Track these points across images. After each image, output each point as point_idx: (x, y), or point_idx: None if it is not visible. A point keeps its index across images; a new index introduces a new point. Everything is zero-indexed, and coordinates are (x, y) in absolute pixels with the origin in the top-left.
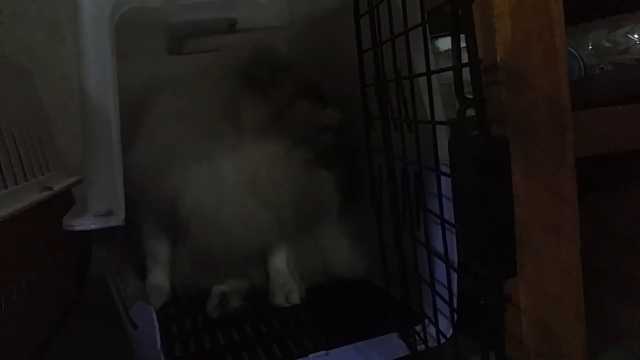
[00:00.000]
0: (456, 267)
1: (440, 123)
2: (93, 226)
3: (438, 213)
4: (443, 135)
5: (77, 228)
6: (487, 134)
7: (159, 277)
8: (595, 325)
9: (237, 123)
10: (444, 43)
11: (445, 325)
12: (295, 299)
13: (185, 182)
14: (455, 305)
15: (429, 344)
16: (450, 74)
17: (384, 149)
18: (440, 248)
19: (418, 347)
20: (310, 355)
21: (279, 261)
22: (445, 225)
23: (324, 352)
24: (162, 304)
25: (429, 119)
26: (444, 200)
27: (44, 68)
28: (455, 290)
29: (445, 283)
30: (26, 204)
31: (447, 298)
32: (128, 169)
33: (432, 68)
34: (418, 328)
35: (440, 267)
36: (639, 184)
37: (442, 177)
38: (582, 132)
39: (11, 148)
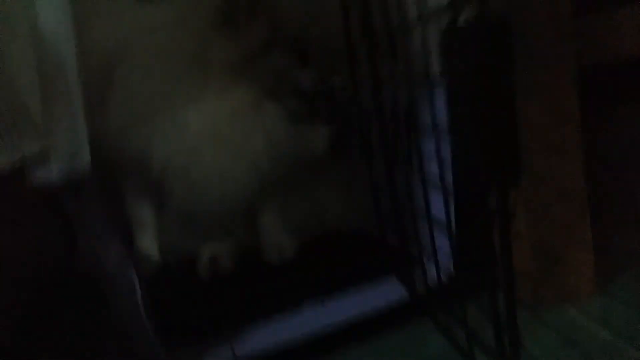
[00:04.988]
0: (452, 196)
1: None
2: (56, 172)
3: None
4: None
5: (40, 176)
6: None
7: (146, 243)
8: (603, 253)
9: (206, 70)
10: None
11: (445, 264)
12: (288, 253)
13: (153, 139)
14: (454, 240)
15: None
16: None
17: (370, 73)
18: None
19: (418, 289)
20: (306, 307)
21: (268, 217)
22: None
23: (320, 302)
24: (152, 270)
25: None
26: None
27: None
28: (453, 218)
29: (444, 219)
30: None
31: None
32: (104, 134)
33: None
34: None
35: (437, 202)
36: None
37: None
38: (583, 40)
39: None
